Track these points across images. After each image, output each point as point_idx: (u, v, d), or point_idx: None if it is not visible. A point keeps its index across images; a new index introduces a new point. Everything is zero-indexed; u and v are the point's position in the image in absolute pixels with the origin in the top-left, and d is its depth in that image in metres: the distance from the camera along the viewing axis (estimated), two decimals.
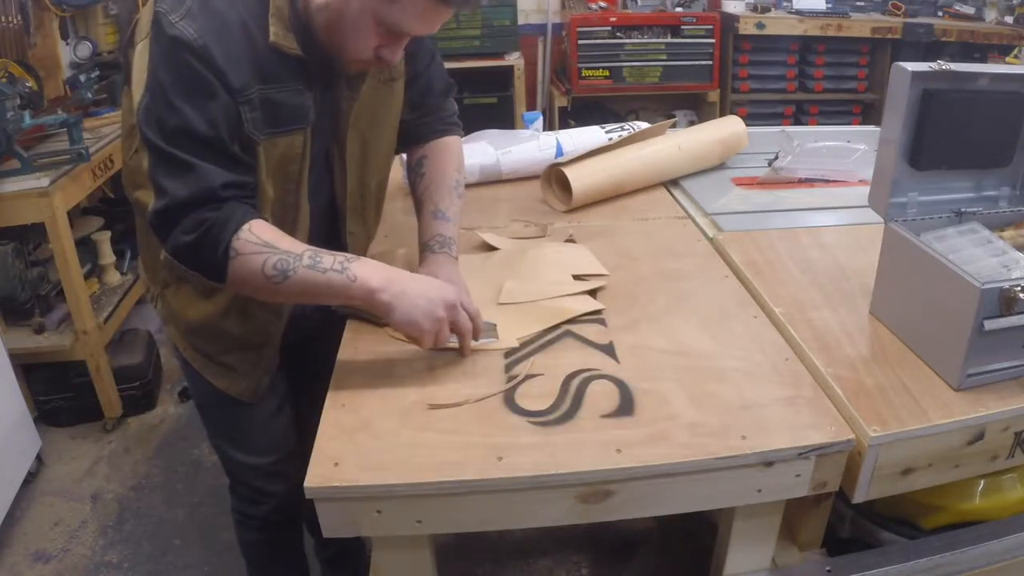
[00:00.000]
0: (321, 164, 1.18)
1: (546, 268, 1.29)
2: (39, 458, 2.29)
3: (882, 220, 1.10)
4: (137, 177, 1.11)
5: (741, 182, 1.73)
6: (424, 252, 1.22)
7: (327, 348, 1.13)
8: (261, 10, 1.01)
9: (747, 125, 1.86)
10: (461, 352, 1.08)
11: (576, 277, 1.27)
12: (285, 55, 1.02)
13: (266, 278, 0.98)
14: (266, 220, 1.03)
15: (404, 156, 1.40)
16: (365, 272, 1.00)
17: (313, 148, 1.12)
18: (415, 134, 1.33)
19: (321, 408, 0.99)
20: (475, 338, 1.08)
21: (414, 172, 1.33)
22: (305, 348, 1.32)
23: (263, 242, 0.98)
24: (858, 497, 0.95)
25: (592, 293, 1.23)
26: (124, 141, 1.17)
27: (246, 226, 0.98)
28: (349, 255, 1.02)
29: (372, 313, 1.07)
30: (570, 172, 1.55)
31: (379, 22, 0.99)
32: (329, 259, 1.00)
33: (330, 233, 1.24)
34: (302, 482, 0.87)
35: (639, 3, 3.77)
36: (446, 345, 1.05)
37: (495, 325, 1.14)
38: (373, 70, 1.15)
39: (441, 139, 1.34)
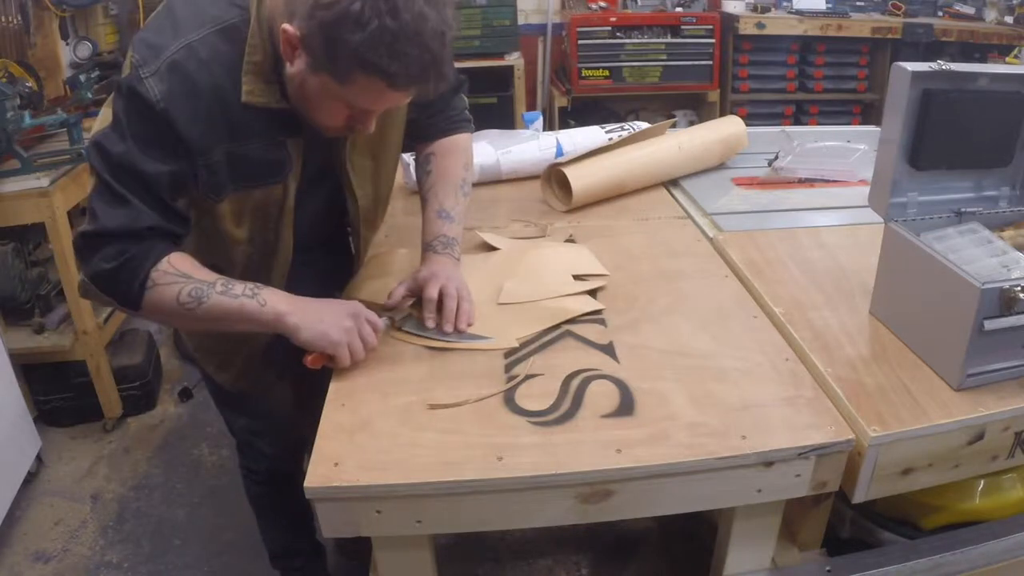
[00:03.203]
0: (317, 180, 1.18)
1: (546, 268, 1.29)
2: (39, 458, 2.29)
3: (882, 220, 1.10)
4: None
5: (741, 182, 1.73)
6: (427, 252, 1.22)
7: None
8: (236, 67, 1.01)
9: (747, 125, 1.86)
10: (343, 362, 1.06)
11: (576, 277, 1.27)
12: (261, 110, 1.03)
13: (180, 305, 1.02)
14: (184, 254, 1.06)
15: (409, 156, 1.40)
16: (274, 298, 1.05)
17: (308, 171, 1.13)
18: (424, 132, 1.33)
19: (317, 390, 1.02)
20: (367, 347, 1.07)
21: (421, 169, 1.33)
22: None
23: (180, 272, 1.03)
24: (858, 497, 0.95)
25: (592, 293, 1.23)
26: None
27: (165, 259, 1.03)
28: (259, 284, 1.06)
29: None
30: (570, 172, 1.55)
31: (340, 100, 0.99)
32: (240, 287, 1.04)
33: (334, 237, 1.27)
34: (298, 447, 0.89)
35: (639, 3, 3.77)
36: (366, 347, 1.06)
37: (410, 315, 1.14)
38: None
39: (450, 137, 1.34)
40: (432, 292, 1.13)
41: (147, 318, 1.09)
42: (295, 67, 0.97)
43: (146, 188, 1.00)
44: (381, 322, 1.09)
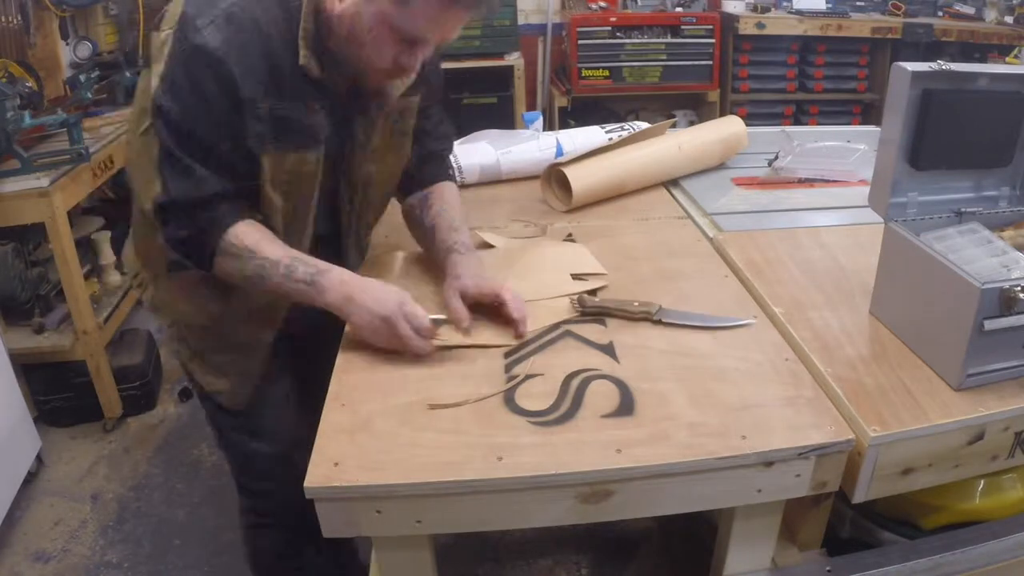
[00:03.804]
0: (327, 193, 1.21)
1: (544, 267, 1.29)
2: (39, 458, 2.29)
3: (882, 220, 1.10)
4: (142, 159, 1.13)
5: (741, 182, 1.73)
6: (451, 255, 1.21)
7: (330, 348, 1.13)
8: (291, 31, 1.05)
9: (747, 125, 1.86)
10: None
11: (575, 277, 1.27)
12: (307, 78, 1.07)
13: (245, 279, 1.10)
14: (255, 220, 1.11)
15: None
16: (332, 287, 1.08)
17: (325, 171, 1.16)
18: (419, 179, 1.34)
19: (323, 406, 0.99)
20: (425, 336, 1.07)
21: (420, 205, 1.32)
22: (306, 347, 1.32)
23: (244, 247, 1.08)
24: (858, 497, 0.95)
25: (592, 293, 1.23)
26: (136, 118, 1.19)
27: (233, 229, 1.08)
28: (321, 266, 1.09)
29: None
30: (570, 172, 1.55)
31: (393, 29, 1.01)
32: (302, 269, 1.08)
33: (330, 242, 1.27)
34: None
35: (639, 3, 3.77)
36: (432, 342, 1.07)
37: (446, 320, 1.12)
38: (387, 117, 1.20)
39: (444, 183, 1.35)
40: (503, 296, 1.13)
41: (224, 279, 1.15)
42: (346, 2, 1.01)
43: (208, 152, 1.05)
44: (424, 321, 1.06)
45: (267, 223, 1.14)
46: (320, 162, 1.14)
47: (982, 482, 1.11)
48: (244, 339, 1.27)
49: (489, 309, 1.15)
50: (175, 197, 1.07)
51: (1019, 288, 0.91)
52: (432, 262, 1.30)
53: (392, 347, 1.07)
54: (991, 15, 3.63)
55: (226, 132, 1.05)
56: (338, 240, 1.30)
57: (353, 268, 1.29)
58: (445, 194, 1.33)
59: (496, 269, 1.29)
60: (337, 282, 1.09)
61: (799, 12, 3.78)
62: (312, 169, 1.14)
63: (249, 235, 1.09)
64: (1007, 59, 3.32)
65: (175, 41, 1.02)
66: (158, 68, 1.04)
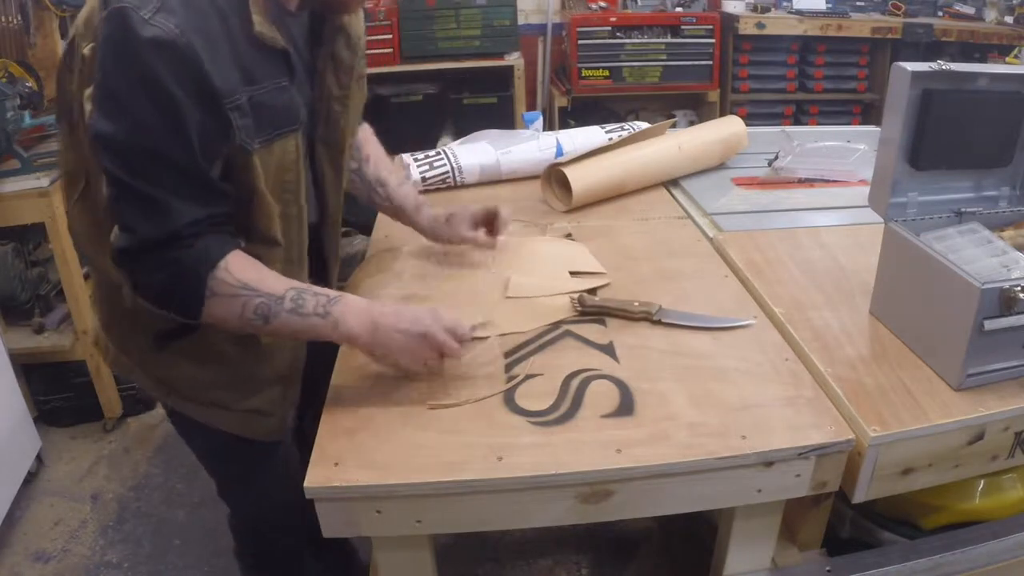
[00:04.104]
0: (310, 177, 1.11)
1: (545, 263, 1.30)
2: (39, 458, 2.29)
3: (882, 220, 1.10)
4: (87, 226, 1.02)
5: (741, 182, 1.73)
6: (422, 208, 1.33)
7: (326, 365, 1.09)
8: (237, 1, 0.90)
9: (747, 125, 1.86)
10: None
11: (573, 274, 1.27)
12: (268, 49, 0.93)
13: (245, 321, 0.93)
14: (242, 253, 0.95)
15: (410, 156, 1.43)
16: (348, 316, 0.96)
17: (304, 151, 1.05)
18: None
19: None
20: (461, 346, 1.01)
21: (352, 157, 1.27)
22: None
23: (241, 283, 0.92)
24: (858, 497, 0.95)
25: (592, 292, 1.23)
26: (65, 187, 1.05)
27: (223, 263, 0.91)
28: (331, 294, 0.97)
29: None
30: (570, 172, 1.55)
31: None
32: (312, 301, 0.95)
33: (311, 255, 1.14)
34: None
35: (639, 3, 3.77)
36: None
37: (485, 323, 1.13)
38: (354, 54, 1.11)
39: (361, 128, 1.32)
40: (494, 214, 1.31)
41: (211, 325, 0.97)
42: None
43: (174, 171, 0.87)
44: (466, 329, 1.01)
45: (265, 237, 1.00)
46: (300, 147, 1.01)
47: (982, 482, 1.11)
48: (278, 372, 1.13)
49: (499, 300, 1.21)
50: (143, 237, 0.87)
51: (1019, 288, 0.91)
52: (425, 256, 1.34)
53: (423, 366, 1.00)
54: (991, 15, 3.62)
55: (197, 143, 0.86)
56: (320, 229, 1.19)
57: (333, 255, 1.24)
58: (368, 138, 1.34)
59: (497, 263, 1.29)
60: (356, 310, 0.96)
61: (799, 12, 3.77)
62: (294, 156, 1.00)
63: (246, 269, 0.93)
64: (1007, 59, 3.32)
65: (108, 46, 0.83)
66: (87, 93, 0.87)
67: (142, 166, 0.86)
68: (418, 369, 1.01)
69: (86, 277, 2.41)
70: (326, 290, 0.98)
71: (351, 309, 0.96)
